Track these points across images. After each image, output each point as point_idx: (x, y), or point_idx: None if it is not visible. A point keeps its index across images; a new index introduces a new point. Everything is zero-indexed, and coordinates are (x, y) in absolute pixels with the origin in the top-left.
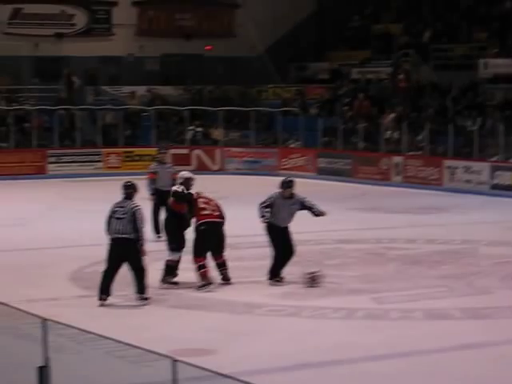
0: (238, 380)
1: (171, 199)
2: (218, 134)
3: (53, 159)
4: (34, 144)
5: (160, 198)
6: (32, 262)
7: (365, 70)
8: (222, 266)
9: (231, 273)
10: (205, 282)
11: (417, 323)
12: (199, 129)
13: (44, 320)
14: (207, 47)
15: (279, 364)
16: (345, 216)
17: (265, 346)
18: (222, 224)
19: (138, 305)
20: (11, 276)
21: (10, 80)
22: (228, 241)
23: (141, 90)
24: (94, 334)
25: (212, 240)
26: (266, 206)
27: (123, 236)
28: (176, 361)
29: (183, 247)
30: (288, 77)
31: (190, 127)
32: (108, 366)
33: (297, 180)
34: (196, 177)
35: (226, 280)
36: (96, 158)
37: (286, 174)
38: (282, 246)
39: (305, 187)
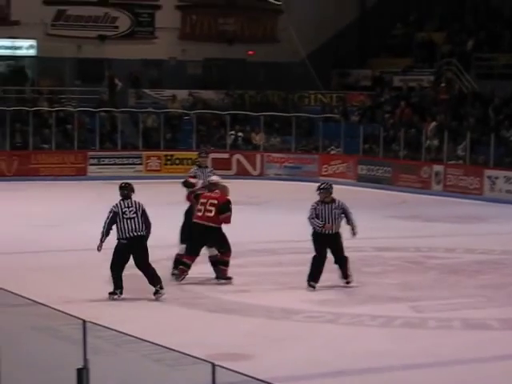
0: None
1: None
2: (258, 138)
3: (93, 161)
4: (75, 145)
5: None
6: (70, 263)
7: (407, 77)
8: (221, 263)
9: (270, 278)
10: (178, 275)
11: (455, 333)
12: (240, 133)
13: (84, 321)
14: (249, 52)
15: (316, 370)
16: (384, 224)
17: (302, 352)
18: (210, 227)
19: (156, 299)
20: (49, 277)
21: (53, 81)
22: (267, 246)
23: (182, 93)
24: (131, 336)
25: (199, 240)
26: (315, 217)
27: (139, 234)
28: (216, 365)
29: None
30: (330, 83)
31: (231, 132)
32: (145, 369)
33: (337, 187)
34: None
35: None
36: (136, 160)
37: (326, 181)
38: (331, 253)
39: (345, 194)
